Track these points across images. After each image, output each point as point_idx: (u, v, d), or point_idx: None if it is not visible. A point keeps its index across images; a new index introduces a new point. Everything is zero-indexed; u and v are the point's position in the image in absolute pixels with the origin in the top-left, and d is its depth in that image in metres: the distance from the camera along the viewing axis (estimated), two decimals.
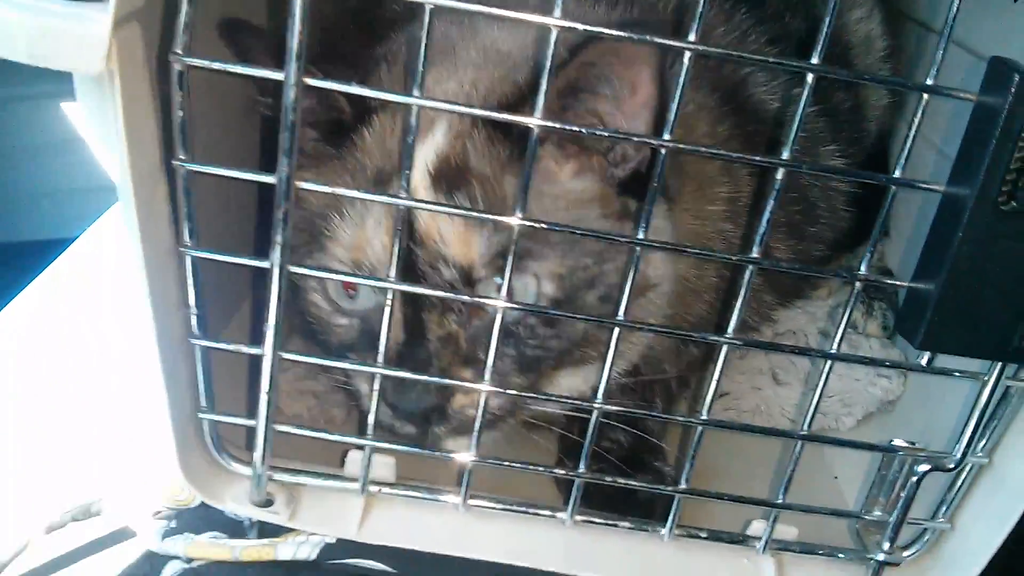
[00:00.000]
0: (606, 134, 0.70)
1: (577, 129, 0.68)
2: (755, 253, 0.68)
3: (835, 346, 0.73)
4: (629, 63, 0.71)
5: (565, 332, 0.80)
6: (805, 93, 0.63)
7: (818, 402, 0.75)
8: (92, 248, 1.42)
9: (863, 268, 0.70)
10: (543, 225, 0.69)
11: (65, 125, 2.08)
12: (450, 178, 0.77)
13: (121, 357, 1.09)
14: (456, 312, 0.78)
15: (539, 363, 0.81)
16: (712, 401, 0.75)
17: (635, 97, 0.73)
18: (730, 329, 0.72)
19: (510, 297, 0.72)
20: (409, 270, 0.76)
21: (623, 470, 0.94)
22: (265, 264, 0.68)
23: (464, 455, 0.78)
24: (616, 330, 0.72)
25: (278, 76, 0.62)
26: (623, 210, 0.80)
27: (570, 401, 0.80)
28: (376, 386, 0.75)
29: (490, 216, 0.73)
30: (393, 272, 0.70)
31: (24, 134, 2.20)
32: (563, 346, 0.81)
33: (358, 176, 0.80)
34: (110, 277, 1.29)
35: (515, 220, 0.67)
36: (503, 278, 0.70)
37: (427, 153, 0.78)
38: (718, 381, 0.74)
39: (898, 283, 0.70)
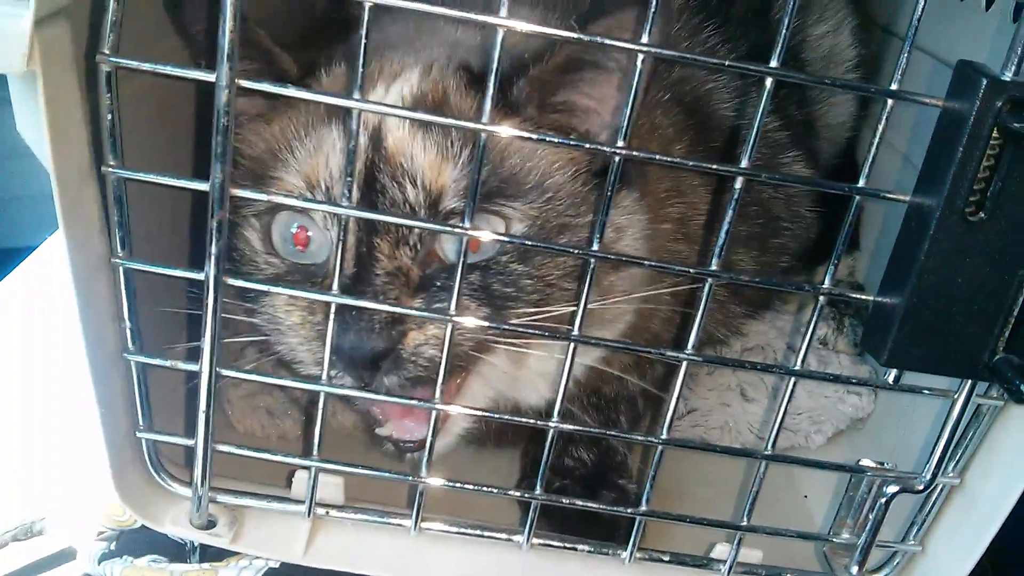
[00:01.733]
0: (556, 140, 0.67)
1: (534, 136, 0.65)
2: (714, 265, 0.66)
3: (799, 363, 0.70)
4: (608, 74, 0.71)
5: (538, 272, 0.76)
6: (764, 98, 0.60)
7: (782, 420, 0.72)
8: (52, 257, 1.38)
9: (827, 282, 0.67)
10: (499, 239, 0.66)
11: None
12: (426, 111, 0.74)
13: (67, 371, 1.06)
14: (411, 247, 0.74)
15: (506, 305, 0.76)
16: (672, 420, 0.72)
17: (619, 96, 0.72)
18: (690, 345, 0.69)
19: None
20: (369, 185, 0.73)
21: (586, 488, 0.92)
22: (199, 276, 0.64)
23: (423, 478, 0.74)
24: (572, 345, 0.69)
25: (209, 78, 0.59)
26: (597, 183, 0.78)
27: (526, 423, 0.76)
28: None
29: (430, 226, 0.70)
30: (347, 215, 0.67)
31: None
32: (536, 288, 0.76)
33: (312, 111, 0.77)
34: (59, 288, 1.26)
35: (473, 232, 0.64)
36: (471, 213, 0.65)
37: (401, 88, 0.76)
38: (677, 399, 0.71)
39: (862, 297, 0.67)
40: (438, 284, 0.74)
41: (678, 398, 0.71)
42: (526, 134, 0.66)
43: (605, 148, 0.63)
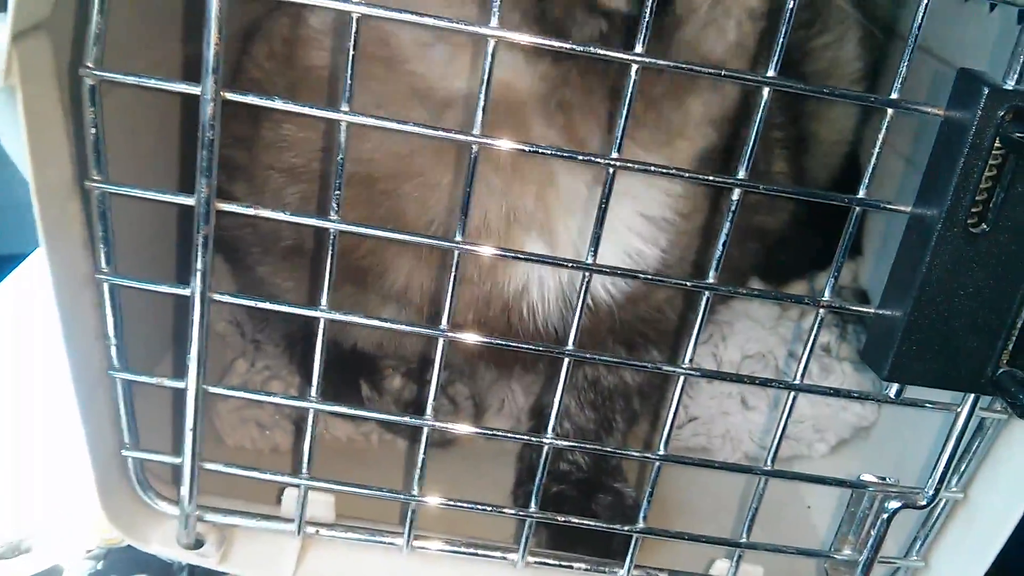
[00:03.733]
0: (565, 154, 0.64)
1: (546, 151, 0.63)
2: (711, 279, 0.64)
3: (798, 376, 0.69)
4: None
5: None
6: (760, 108, 0.59)
7: (782, 434, 0.71)
8: (39, 269, 1.36)
9: (827, 293, 0.66)
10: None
11: None
12: None
13: (56, 385, 1.04)
14: None
15: None
16: (670, 433, 0.71)
17: None
18: (687, 359, 0.68)
19: None
20: None
21: (582, 493, 0.90)
22: (185, 292, 0.63)
23: (415, 495, 0.72)
24: (567, 359, 0.68)
25: (194, 90, 0.57)
26: None
27: (520, 438, 0.74)
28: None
29: None
30: None
31: None
32: None
33: None
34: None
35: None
36: None
37: None
38: (675, 413, 0.70)
39: (863, 310, 0.66)
40: None
41: (676, 412, 0.69)
42: (528, 147, 0.63)
43: (599, 160, 0.61)
